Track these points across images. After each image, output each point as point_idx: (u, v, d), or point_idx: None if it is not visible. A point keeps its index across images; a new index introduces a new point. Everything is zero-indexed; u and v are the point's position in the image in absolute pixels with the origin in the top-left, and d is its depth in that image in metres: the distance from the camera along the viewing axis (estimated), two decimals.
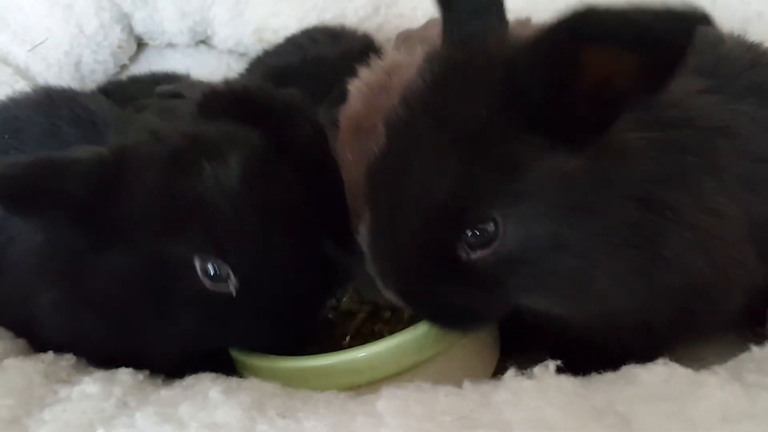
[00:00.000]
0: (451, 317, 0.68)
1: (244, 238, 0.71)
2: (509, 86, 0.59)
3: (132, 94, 1.32)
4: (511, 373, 0.62)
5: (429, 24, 0.99)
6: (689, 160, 0.66)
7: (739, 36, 0.95)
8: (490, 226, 0.60)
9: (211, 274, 0.70)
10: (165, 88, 1.16)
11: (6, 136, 0.88)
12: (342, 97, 1.15)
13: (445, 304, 0.65)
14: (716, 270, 0.67)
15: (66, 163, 0.69)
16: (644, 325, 0.68)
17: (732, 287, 0.70)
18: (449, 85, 0.63)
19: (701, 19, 0.48)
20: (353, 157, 0.73)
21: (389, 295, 0.68)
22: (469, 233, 0.61)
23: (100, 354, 0.77)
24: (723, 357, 0.69)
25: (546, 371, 0.61)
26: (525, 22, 0.88)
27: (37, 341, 0.83)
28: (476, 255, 0.61)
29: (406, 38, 0.96)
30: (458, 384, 0.65)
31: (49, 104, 0.93)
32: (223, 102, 0.84)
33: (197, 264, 0.70)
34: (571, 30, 0.52)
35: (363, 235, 0.68)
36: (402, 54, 0.78)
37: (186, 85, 1.20)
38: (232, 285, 0.71)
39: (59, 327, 0.78)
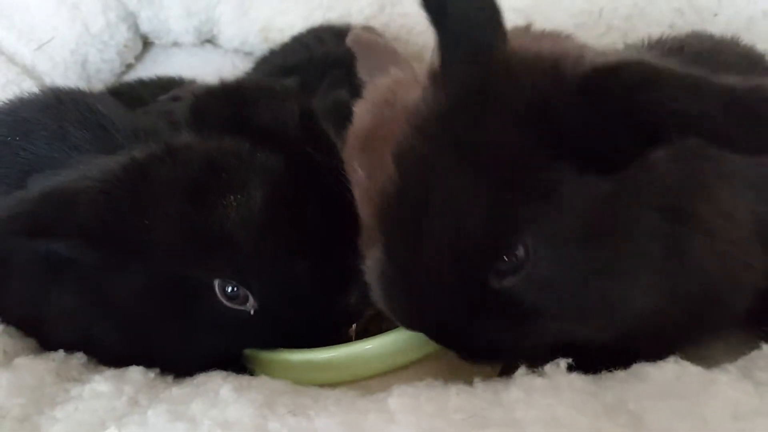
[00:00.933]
0: (487, 352, 0.63)
1: (265, 268, 0.71)
2: (537, 112, 0.55)
3: (141, 97, 1.32)
4: (522, 371, 0.62)
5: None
6: (705, 166, 0.65)
7: (733, 40, 0.95)
8: (520, 251, 0.57)
9: (230, 295, 0.72)
10: (163, 97, 1.19)
11: (17, 139, 0.88)
12: (335, 84, 1.14)
13: (480, 339, 0.61)
14: (726, 273, 0.66)
15: (73, 194, 0.68)
16: (653, 329, 0.67)
17: (740, 290, 0.69)
18: (466, 110, 0.58)
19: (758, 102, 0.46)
20: (363, 170, 0.72)
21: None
22: (500, 261, 0.57)
23: (113, 356, 0.77)
24: (730, 355, 0.69)
25: (557, 369, 0.61)
26: (525, 29, 0.85)
27: (46, 340, 0.83)
28: (508, 282, 0.58)
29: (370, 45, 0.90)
30: (465, 376, 0.65)
31: (58, 106, 0.93)
32: (216, 104, 0.83)
33: (216, 286, 0.71)
34: (630, 90, 0.51)
35: (372, 272, 0.65)
36: (403, 71, 0.76)
37: (186, 90, 1.21)
38: (250, 306, 0.72)
39: (71, 331, 0.78)
